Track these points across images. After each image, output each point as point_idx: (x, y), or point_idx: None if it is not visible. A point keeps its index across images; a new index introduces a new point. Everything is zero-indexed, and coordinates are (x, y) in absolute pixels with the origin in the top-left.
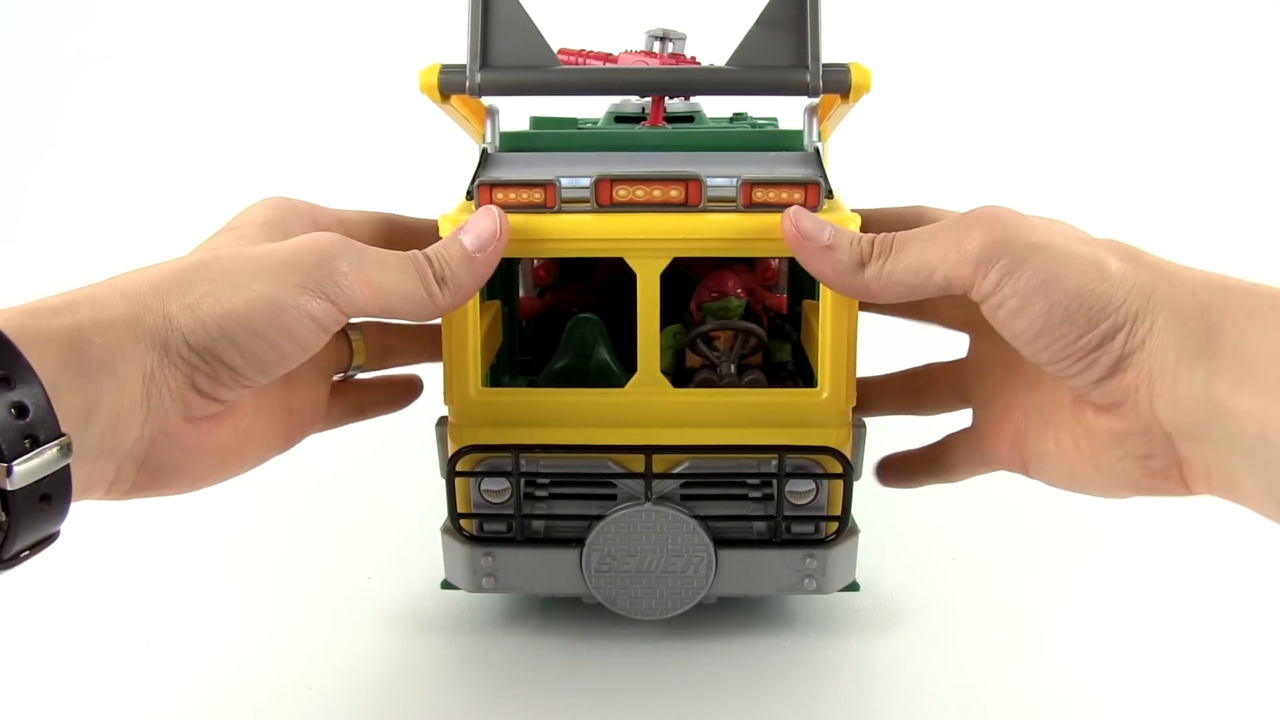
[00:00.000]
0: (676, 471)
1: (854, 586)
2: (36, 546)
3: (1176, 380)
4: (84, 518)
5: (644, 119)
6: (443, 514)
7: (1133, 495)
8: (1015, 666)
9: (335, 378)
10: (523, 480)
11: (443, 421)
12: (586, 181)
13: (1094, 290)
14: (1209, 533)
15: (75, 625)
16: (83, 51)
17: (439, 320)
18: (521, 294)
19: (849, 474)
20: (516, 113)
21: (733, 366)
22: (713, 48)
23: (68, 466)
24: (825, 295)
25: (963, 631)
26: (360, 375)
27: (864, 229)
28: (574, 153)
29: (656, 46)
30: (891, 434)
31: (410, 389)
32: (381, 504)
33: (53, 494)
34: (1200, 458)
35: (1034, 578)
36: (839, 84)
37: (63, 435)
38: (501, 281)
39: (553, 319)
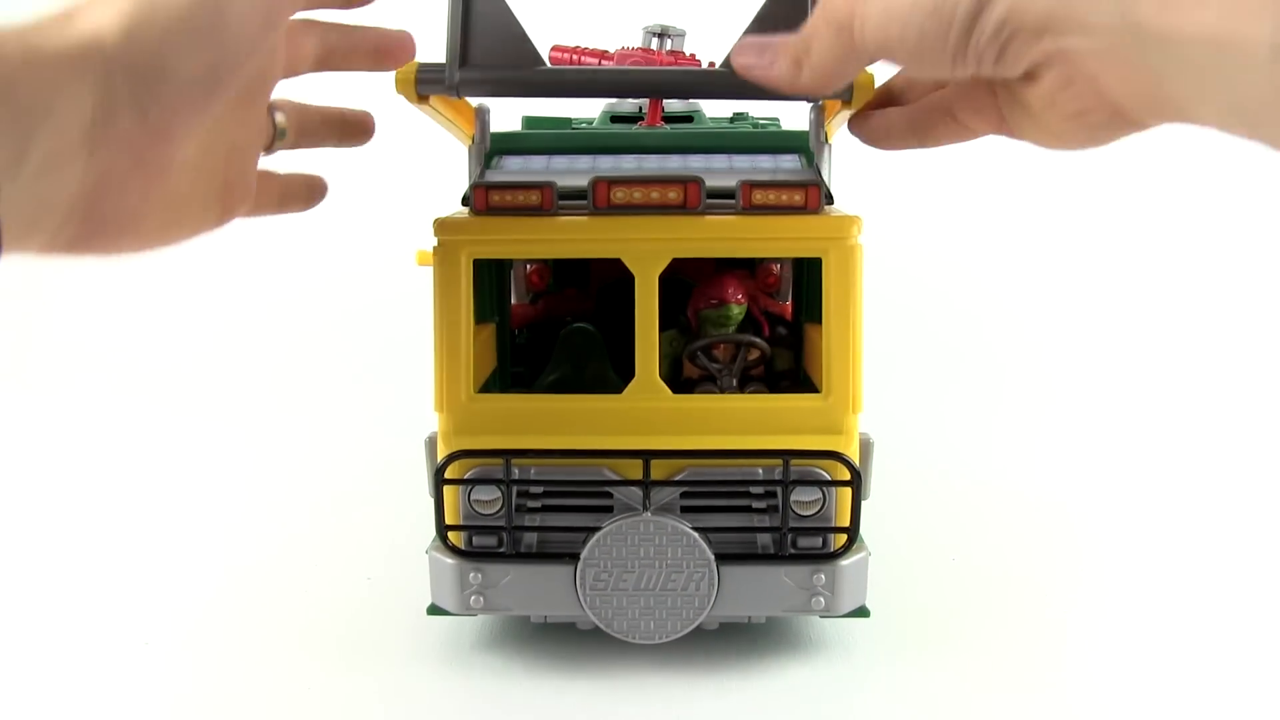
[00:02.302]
0: (676, 479)
1: (863, 611)
2: None
3: (1073, 14)
4: (84, 517)
5: (641, 119)
6: (431, 533)
7: (1101, 145)
8: (1029, 699)
9: (262, 157)
10: (514, 489)
11: (432, 439)
12: (584, 183)
13: None
14: (1210, 533)
15: (75, 625)
16: None
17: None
18: (514, 300)
19: (857, 482)
20: (508, 113)
21: (734, 379)
22: (712, 46)
23: None
24: (829, 295)
25: (974, 659)
26: (279, 165)
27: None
28: (571, 154)
29: (655, 44)
30: (896, 444)
31: (319, 189)
32: (380, 509)
33: None
34: (1140, 96)
35: (1043, 595)
36: (842, 90)
37: None
38: (494, 290)
39: (546, 328)
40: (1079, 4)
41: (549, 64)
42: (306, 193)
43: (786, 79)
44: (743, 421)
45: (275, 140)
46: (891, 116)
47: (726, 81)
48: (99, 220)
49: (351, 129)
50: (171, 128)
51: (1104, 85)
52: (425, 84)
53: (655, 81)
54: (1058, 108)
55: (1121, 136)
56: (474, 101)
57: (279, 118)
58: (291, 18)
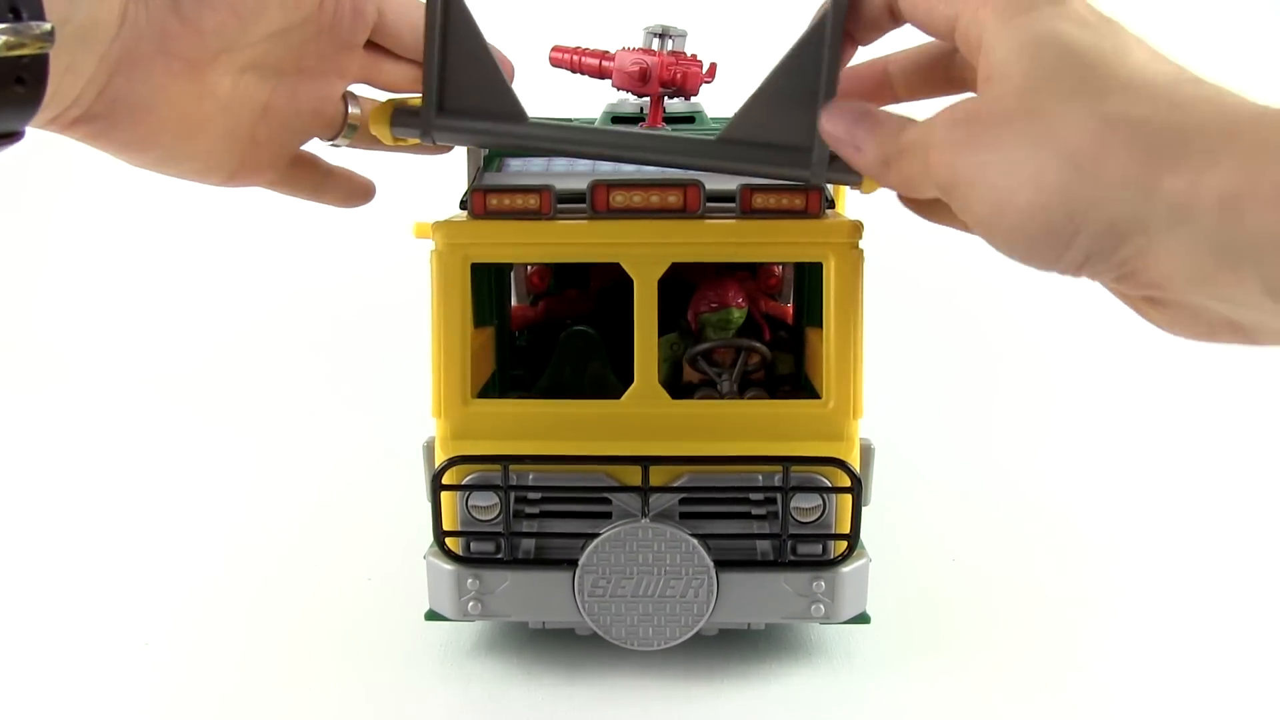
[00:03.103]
0: (675, 485)
1: (864, 618)
2: (1, 140)
3: (1210, 282)
4: (84, 518)
5: (642, 120)
6: (429, 540)
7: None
8: (1031, 705)
9: (328, 142)
10: (513, 495)
11: (429, 444)
12: (583, 186)
13: (1047, 213)
14: (1211, 536)
15: (75, 625)
16: None
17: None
18: (515, 302)
19: (858, 488)
20: None
21: (734, 384)
22: (713, 45)
23: (46, 56)
24: (829, 300)
25: (975, 666)
26: (336, 151)
27: (886, 81)
28: (570, 156)
29: (655, 44)
30: (896, 449)
31: (364, 192)
32: (379, 518)
33: (27, 79)
34: (1154, 263)
35: (1044, 601)
36: (848, 174)
37: (46, 21)
38: (494, 292)
39: (546, 330)
40: (1226, 275)
41: (551, 62)
42: (347, 190)
43: (869, 170)
44: (742, 427)
45: (342, 133)
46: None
47: (731, 158)
48: (113, 99)
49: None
50: (202, 22)
51: (1241, 319)
52: (401, 126)
53: (651, 148)
54: (1180, 325)
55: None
56: None
57: (353, 110)
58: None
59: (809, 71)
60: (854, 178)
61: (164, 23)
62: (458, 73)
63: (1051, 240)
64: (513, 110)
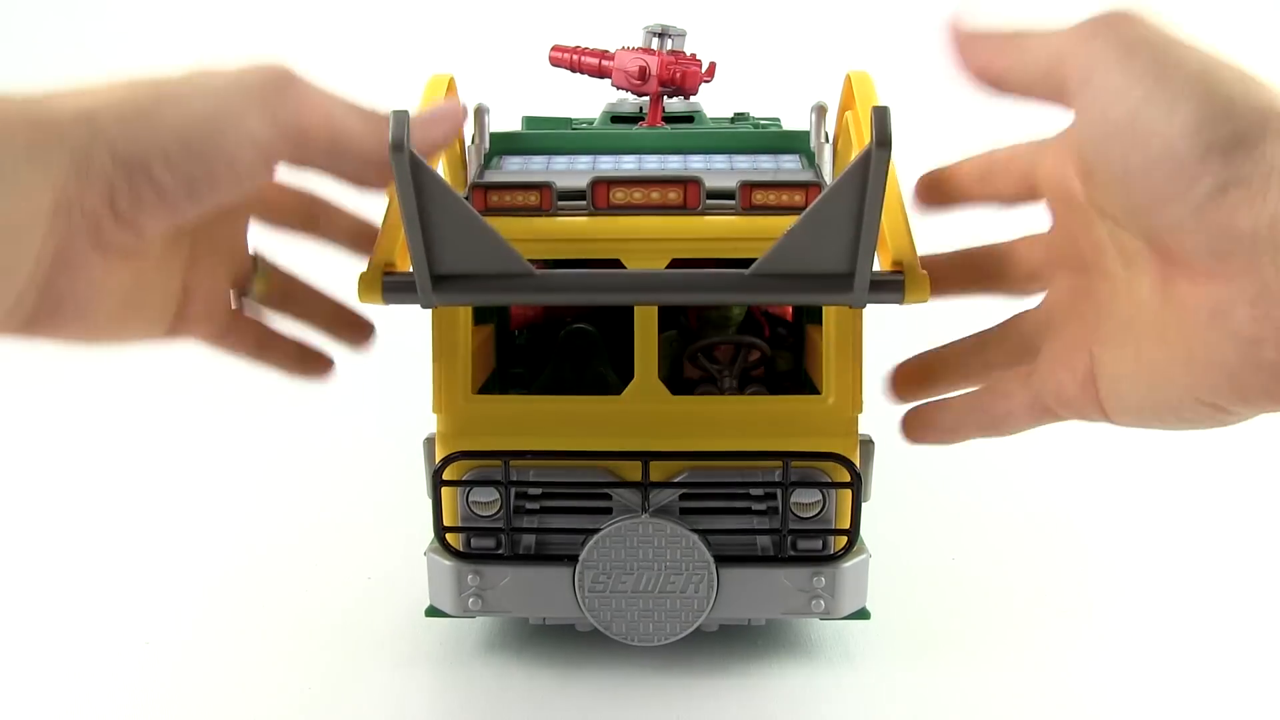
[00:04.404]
0: (675, 481)
1: (864, 614)
2: None
3: None
4: (84, 517)
5: (642, 119)
6: (429, 536)
7: (1231, 409)
8: (1031, 701)
9: (234, 299)
10: (513, 490)
11: (430, 439)
12: (583, 183)
13: (1220, 79)
14: (1211, 534)
15: (75, 625)
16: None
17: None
18: None
19: (858, 483)
20: (508, 113)
21: (734, 381)
22: (711, 45)
23: None
24: None
25: (975, 661)
26: (264, 316)
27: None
28: (571, 154)
29: (655, 43)
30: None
31: (319, 364)
32: (380, 514)
33: None
34: None
35: (1044, 597)
36: (891, 294)
37: None
38: None
39: (546, 328)
40: None
41: (550, 62)
42: (297, 358)
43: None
44: (742, 423)
45: (250, 285)
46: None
47: (765, 286)
48: (54, 299)
49: (346, 327)
50: (139, 222)
51: None
52: (395, 294)
53: (671, 285)
54: (1225, 324)
55: (1265, 408)
56: (473, 102)
57: (259, 264)
58: (289, 179)
59: (851, 203)
60: (896, 297)
61: (99, 220)
62: (444, 242)
63: (1228, 117)
64: (516, 267)
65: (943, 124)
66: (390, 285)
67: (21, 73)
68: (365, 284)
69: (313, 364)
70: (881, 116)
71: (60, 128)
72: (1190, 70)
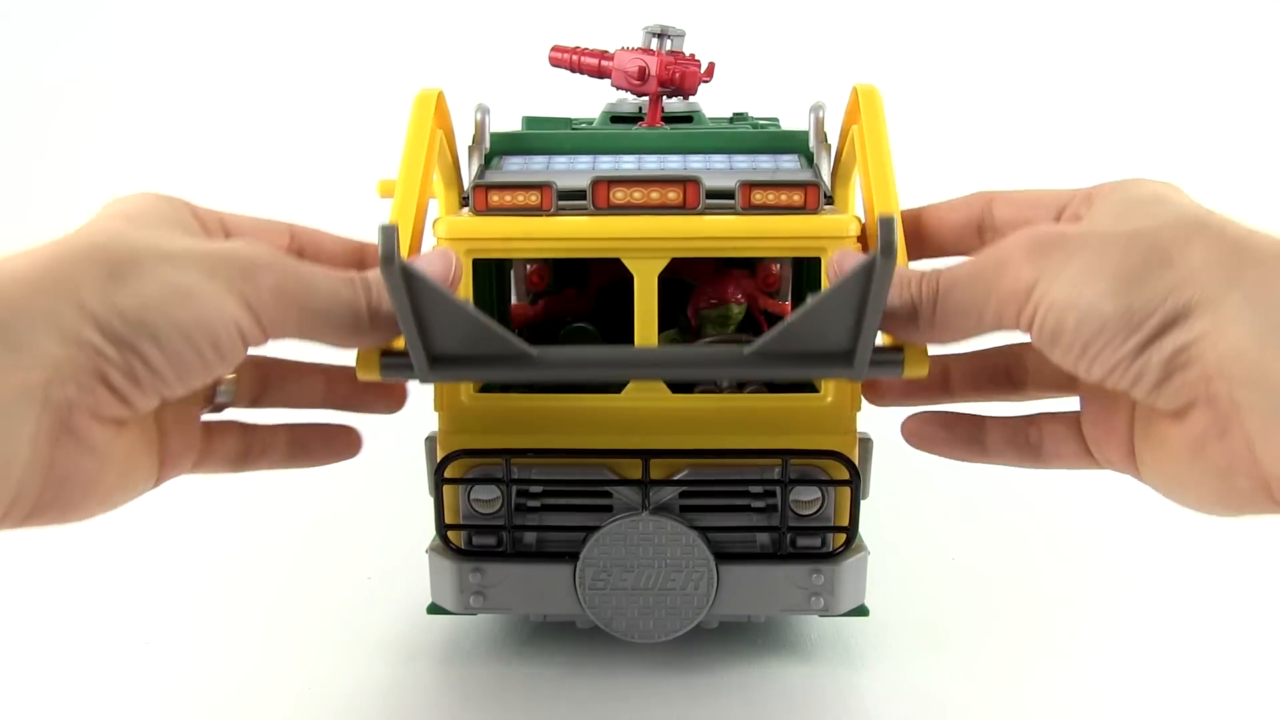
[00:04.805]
0: (675, 479)
1: (863, 610)
2: None
3: (1261, 367)
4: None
5: (641, 119)
6: (429, 535)
7: (1234, 515)
8: (1025, 694)
9: (205, 415)
10: (514, 488)
11: (432, 437)
12: (583, 183)
13: (1132, 286)
14: (1211, 533)
15: (75, 625)
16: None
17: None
18: (514, 301)
19: (856, 481)
20: (509, 113)
21: (734, 380)
22: (710, 45)
23: None
24: None
25: (974, 658)
26: (240, 416)
27: (920, 228)
28: (571, 154)
29: (654, 44)
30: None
31: (301, 448)
32: (381, 512)
33: None
34: None
35: (1043, 594)
36: (891, 369)
37: None
38: (494, 290)
39: (546, 328)
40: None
41: (550, 62)
42: (286, 451)
43: (895, 322)
44: (742, 421)
45: (218, 390)
46: (989, 430)
47: (765, 363)
48: (61, 479)
49: (324, 441)
50: (132, 398)
51: (1262, 453)
52: (393, 371)
53: (671, 362)
54: (1202, 459)
55: (1259, 514)
56: (474, 102)
57: (223, 384)
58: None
59: (853, 300)
60: (895, 371)
61: (95, 394)
62: (440, 333)
63: (1125, 321)
64: (514, 351)
65: (942, 126)
66: (389, 364)
67: (21, 73)
68: (363, 362)
69: (301, 451)
70: (888, 227)
71: (42, 304)
72: (1098, 290)
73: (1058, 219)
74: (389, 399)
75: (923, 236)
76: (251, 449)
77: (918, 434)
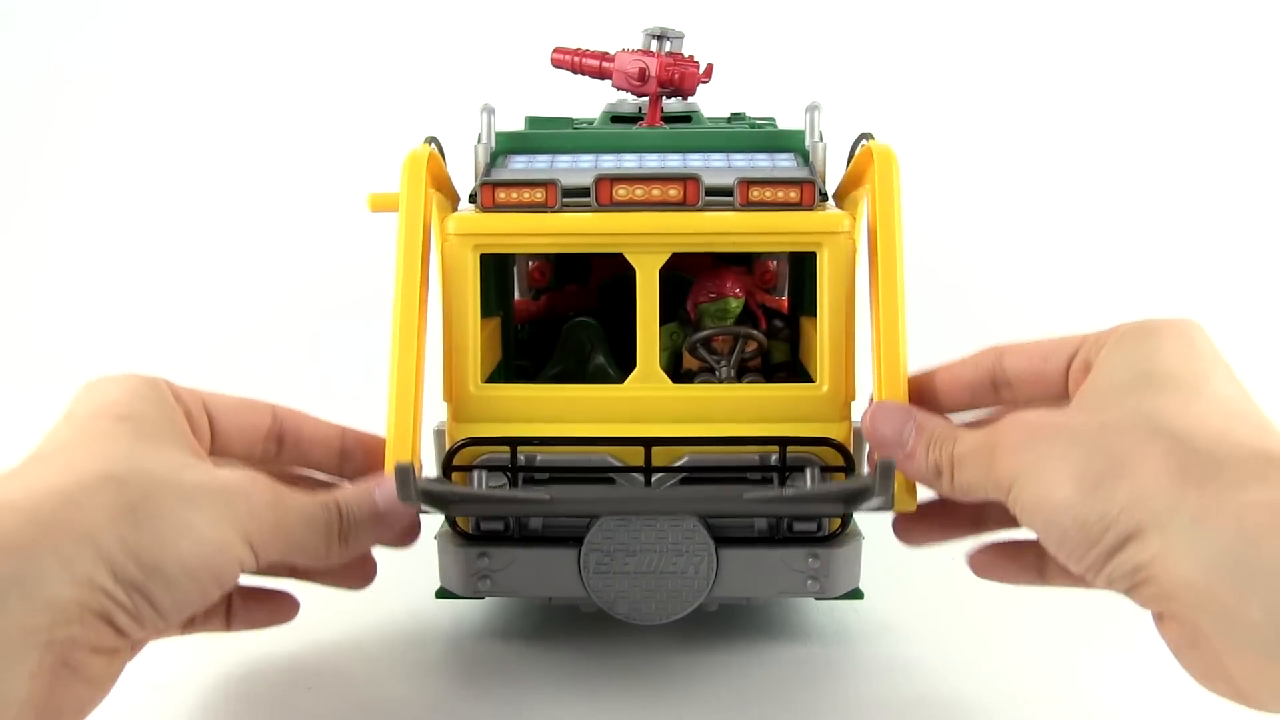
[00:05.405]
0: (677, 466)
1: (857, 594)
2: None
3: (1211, 597)
4: None
5: (641, 118)
6: (438, 518)
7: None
8: (1016, 673)
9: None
10: (521, 475)
11: (440, 428)
12: (587, 181)
13: (1087, 496)
14: None
15: None
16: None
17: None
18: (517, 297)
19: (851, 468)
20: (510, 113)
21: (732, 371)
22: (709, 46)
23: None
24: (823, 288)
25: (965, 638)
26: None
27: (934, 388)
28: (574, 153)
29: (654, 45)
30: None
31: (278, 608)
32: None
33: None
34: (1272, 688)
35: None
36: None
37: None
38: (498, 286)
39: (548, 323)
40: (1230, 592)
41: (552, 64)
42: (268, 613)
43: (923, 478)
44: (740, 410)
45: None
46: (1009, 553)
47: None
48: (57, 711)
49: (262, 605)
50: (131, 634)
51: (1234, 671)
52: (402, 488)
53: (672, 498)
54: (1185, 659)
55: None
56: (479, 102)
57: None
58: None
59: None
60: (887, 502)
61: (98, 632)
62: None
63: (1083, 534)
64: (535, 498)
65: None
66: (401, 481)
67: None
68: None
69: (278, 612)
70: (886, 471)
71: (52, 549)
72: (1056, 501)
73: (1069, 365)
74: (363, 571)
75: (938, 396)
76: (195, 617)
77: (988, 567)
